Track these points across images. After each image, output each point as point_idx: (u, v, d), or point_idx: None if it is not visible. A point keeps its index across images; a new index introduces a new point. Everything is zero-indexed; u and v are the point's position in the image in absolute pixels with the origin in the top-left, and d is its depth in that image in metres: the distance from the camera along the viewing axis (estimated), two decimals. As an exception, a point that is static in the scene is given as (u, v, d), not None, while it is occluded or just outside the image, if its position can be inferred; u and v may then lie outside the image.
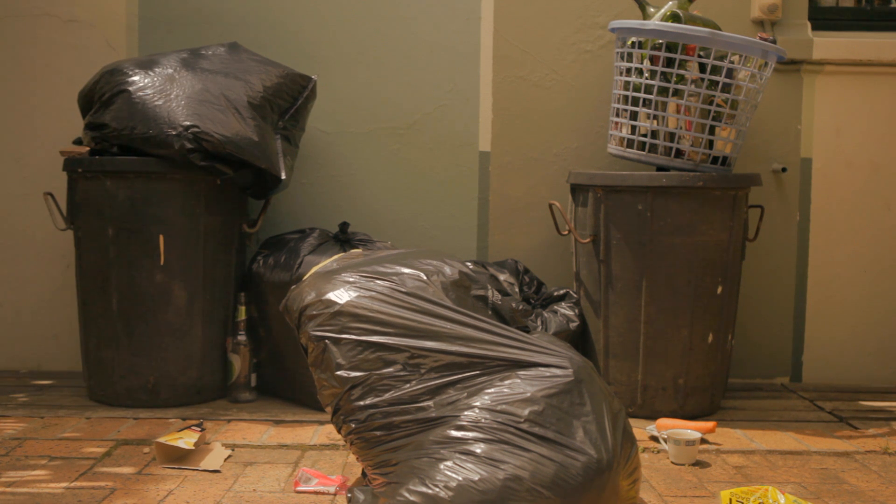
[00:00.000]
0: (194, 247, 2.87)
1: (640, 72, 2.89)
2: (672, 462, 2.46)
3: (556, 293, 3.06)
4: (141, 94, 2.82)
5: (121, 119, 2.82)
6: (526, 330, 2.11)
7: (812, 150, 3.37)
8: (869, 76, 3.36)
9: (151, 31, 3.32)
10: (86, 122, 2.94)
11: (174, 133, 2.74)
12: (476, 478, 1.80)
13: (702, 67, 2.82)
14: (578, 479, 1.81)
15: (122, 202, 2.82)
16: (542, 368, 1.93)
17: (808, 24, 3.36)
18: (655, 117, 2.87)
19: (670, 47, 2.82)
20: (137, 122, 2.79)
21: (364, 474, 2.08)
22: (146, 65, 2.90)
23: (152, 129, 2.77)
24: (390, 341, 1.95)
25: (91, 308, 2.90)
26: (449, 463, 1.83)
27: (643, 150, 2.90)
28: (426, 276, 2.06)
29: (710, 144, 2.90)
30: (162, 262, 2.82)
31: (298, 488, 2.20)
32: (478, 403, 1.89)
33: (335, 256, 2.28)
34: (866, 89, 3.37)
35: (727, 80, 2.81)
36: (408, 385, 1.93)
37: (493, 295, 2.12)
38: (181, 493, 2.16)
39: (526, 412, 1.86)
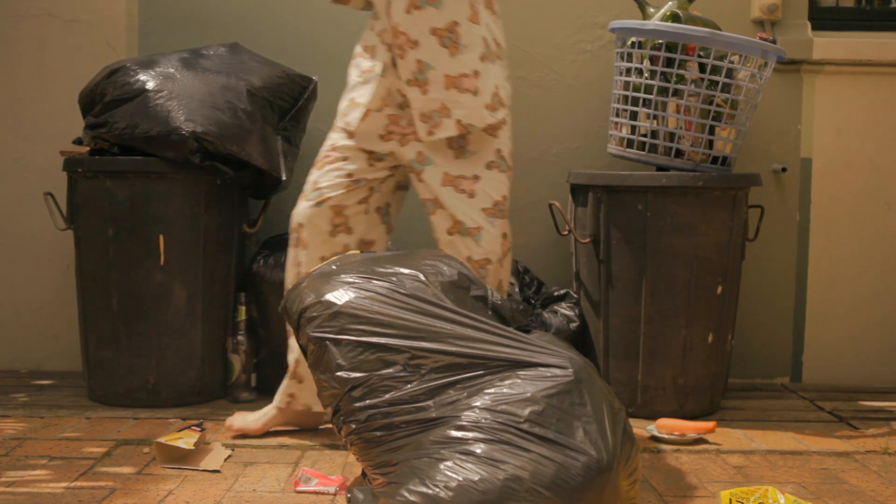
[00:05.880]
0: (194, 247, 2.87)
1: (639, 72, 2.89)
2: (670, 463, 2.46)
3: (556, 293, 3.06)
4: (142, 94, 2.82)
5: (122, 119, 2.82)
6: (526, 330, 2.11)
7: (812, 150, 3.37)
8: (869, 76, 3.36)
9: (151, 31, 3.32)
10: (86, 122, 2.94)
11: (175, 133, 2.74)
12: (476, 478, 1.80)
13: (702, 67, 2.82)
14: (579, 480, 1.81)
15: (122, 202, 2.82)
16: (543, 368, 1.93)
17: (808, 24, 3.36)
18: (655, 117, 2.87)
19: (670, 47, 2.82)
20: (138, 122, 2.79)
21: (364, 474, 2.08)
22: (147, 65, 2.90)
23: (153, 128, 2.77)
24: (390, 342, 1.95)
25: (91, 308, 2.90)
26: (449, 463, 1.83)
27: (643, 150, 2.90)
28: (425, 276, 2.06)
29: (710, 144, 2.90)
30: (162, 262, 2.82)
31: (298, 488, 2.20)
32: (478, 403, 1.89)
33: (334, 257, 2.28)
34: (866, 89, 3.37)
35: (727, 80, 2.81)
36: (408, 386, 1.93)
37: (493, 295, 2.12)
38: (181, 493, 2.16)
39: (526, 412, 1.86)
